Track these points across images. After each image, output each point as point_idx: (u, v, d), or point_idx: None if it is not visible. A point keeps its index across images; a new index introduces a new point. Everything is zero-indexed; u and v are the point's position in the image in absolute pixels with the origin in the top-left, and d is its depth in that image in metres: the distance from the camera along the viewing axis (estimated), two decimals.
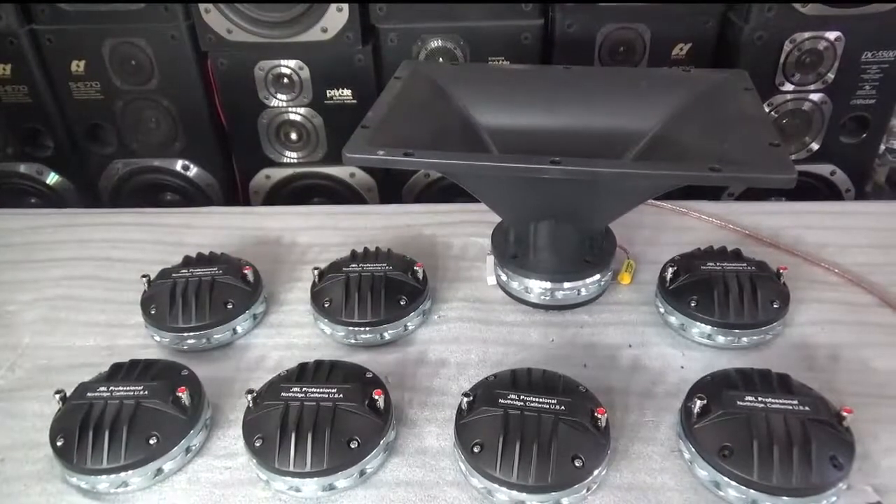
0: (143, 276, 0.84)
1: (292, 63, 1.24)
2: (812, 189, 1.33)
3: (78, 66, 1.25)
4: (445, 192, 1.35)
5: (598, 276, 0.84)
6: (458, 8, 1.20)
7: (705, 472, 0.63)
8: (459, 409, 0.66)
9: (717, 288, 0.78)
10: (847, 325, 0.82)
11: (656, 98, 0.85)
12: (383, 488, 0.65)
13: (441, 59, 1.23)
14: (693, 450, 0.64)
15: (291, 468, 0.62)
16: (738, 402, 0.63)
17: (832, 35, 1.17)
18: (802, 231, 0.98)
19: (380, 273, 0.82)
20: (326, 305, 0.80)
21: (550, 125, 0.87)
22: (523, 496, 0.61)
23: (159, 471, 0.65)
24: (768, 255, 0.88)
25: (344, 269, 0.82)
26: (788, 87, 1.23)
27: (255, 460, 0.64)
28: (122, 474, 0.64)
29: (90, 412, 0.65)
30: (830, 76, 1.22)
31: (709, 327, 0.78)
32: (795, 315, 0.83)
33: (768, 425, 0.61)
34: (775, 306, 0.77)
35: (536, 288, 0.84)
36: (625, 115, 0.85)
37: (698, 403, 0.64)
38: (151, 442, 0.64)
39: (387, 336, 0.81)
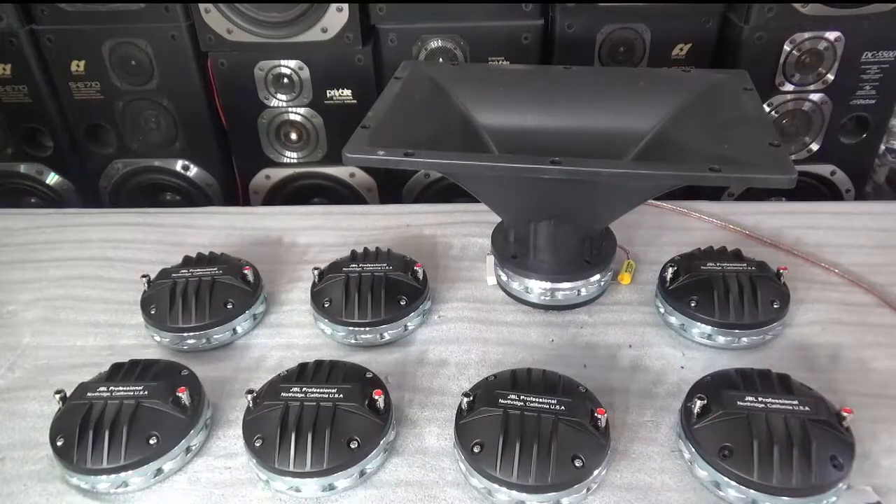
0: (143, 276, 0.84)
1: (292, 63, 1.24)
2: (812, 189, 1.33)
3: (78, 66, 1.25)
4: (445, 192, 1.35)
5: (598, 277, 0.84)
6: (458, 8, 1.19)
7: (705, 473, 0.63)
8: (459, 409, 0.66)
9: (718, 288, 0.78)
10: (847, 326, 0.82)
11: (656, 98, 0.85)
12: (383, 488, 0.65)
13: (441, 59, 1.23)
14: (693, 450, 0.64)
15: (291, 468, 0.62)
16: (739, 403, 0.63)
17: (832, 35, 1.17)
18: (802, 231, 0.98)
19: (380, 273, 0.82)
20: (326, 305, 0.80)
21: (550, 125, 0.87)
22: (523, 496, 0.61)
23: (159, 471, 0.65)
24: (768, 255, 0.88)
25: (344, 269, 0.82)
26: (788, 87, 1.22)
27: (255, 460, 0.64)
28: (122, 474, 0.64)
29: (90, 412, 0.65)
30: (830, 76, 1.21)
31: (709, 327, 0.78)
32: (795, 315, 0.83)
33: (768, 425, 0.61)
34: (775, 306, 0.77)
35: (536, 288, 0.84)
36: (625, 115, 0.85)
37: (698, 403, 0.64)
38: (151, 442, 0.64)
39: (387, 336, 0.81)
